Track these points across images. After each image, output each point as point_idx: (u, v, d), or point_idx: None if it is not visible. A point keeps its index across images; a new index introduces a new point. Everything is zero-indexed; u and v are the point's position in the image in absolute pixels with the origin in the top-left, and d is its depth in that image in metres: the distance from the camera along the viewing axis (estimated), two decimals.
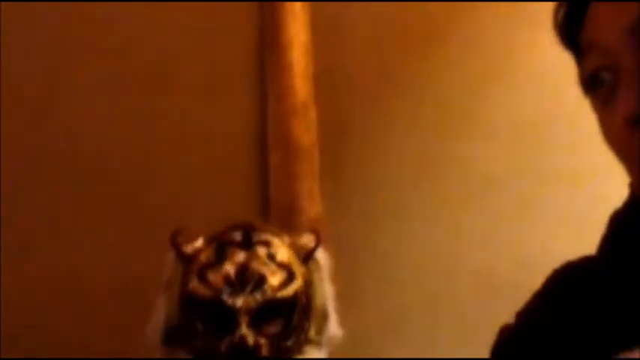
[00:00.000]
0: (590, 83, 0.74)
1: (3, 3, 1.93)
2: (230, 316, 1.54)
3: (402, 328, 1.89)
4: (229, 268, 1.55)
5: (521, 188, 1.93)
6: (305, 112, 1.92)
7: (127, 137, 1.95)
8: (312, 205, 1.91)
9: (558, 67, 1.91)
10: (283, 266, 1.58)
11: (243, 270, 1.55)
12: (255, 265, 1.56)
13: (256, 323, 1.54)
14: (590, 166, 1.87)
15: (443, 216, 1.95)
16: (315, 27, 1.93)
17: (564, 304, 0.82)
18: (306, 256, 1.62)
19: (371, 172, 1.96)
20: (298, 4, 1.94)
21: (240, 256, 1.57)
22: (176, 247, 1.61)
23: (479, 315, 1.80)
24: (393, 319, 1.89)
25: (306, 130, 1.93)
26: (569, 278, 0.85)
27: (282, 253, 1.60)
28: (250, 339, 1.52)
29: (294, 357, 1.58)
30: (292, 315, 1.57)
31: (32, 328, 1.92)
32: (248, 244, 1.58)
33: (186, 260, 1.60)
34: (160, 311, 1.63)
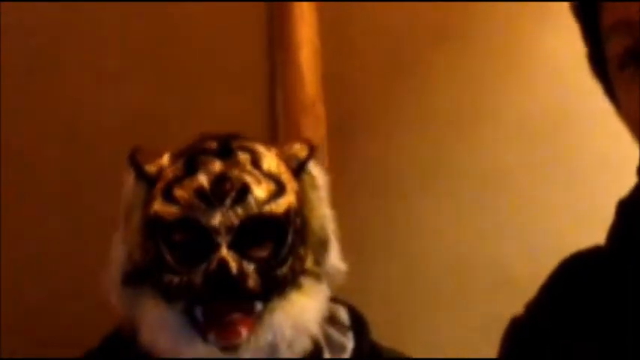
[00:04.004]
0: (621, 63, 0.74)
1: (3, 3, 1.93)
2: (206, 239, 1.21)
3: (410, 322, 1.89)
4: (202, 179, 1.23)
5: (532, 181, 1.94)
6: (313, 110, 1.94)
7: (133, 136, 1.93)
8: None
9: (571, 63, 1.94)
10: (271, 176, 1.26)
11: (220, 180, 1.23)
12: (236, 174, 1.24)
13: (240, 246, 1.21)
14: (602, 160, 1.88)
15: (454, 210, 1.95)
16: (325, 26, 1.94)
17: (572, 294, 0.83)
18: (299, 168, 1.31)
19: (380, 168, 1.97)
20: (306, 3, 1.95)
21: (217, 165, 1.25)
22: (136, 165, 1.30)
23: (490, 308, 1.81)
24: (402, 313, 1.89)
25: (314, 127, 1.94)
26: (578, 268, 0.86)
27: (270, 161, 1.28)
28: (233, 264, 1.19)
29: (289, 290, 1.25)
30: (284, 237, 1.25)
31: None
32: (226, 152, 1.27)
33: (149, 181, 1.29)
34: (119, 247, 1.31)
